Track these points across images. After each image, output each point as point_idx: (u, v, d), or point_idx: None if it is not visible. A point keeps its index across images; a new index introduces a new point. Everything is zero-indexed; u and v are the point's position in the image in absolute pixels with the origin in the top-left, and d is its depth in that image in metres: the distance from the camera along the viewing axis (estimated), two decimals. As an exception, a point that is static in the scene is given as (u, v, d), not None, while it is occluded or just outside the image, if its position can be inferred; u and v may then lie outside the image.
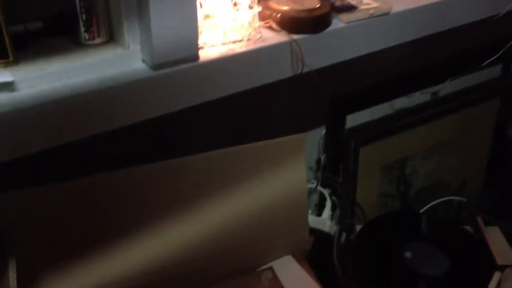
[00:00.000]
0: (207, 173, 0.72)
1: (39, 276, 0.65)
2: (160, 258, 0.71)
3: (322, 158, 0.98)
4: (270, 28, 0.73)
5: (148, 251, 0.70)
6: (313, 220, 0.95)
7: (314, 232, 0.94)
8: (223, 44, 0.69)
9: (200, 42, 0.66)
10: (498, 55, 1.01)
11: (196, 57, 0.65)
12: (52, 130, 0.58)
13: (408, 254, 0.85)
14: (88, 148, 0.66)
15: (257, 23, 0.71)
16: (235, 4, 0.69)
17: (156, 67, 0.63)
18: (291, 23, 0.72)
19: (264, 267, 0.79)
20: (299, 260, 0.81)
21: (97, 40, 0.66)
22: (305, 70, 0.73)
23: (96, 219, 0.67)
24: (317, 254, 0.95)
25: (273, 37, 0.72)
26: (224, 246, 0.75)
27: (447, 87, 1.09)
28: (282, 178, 0.76)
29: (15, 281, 0.59)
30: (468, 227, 0.98)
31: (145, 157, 0.67)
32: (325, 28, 0.75)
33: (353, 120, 0.98)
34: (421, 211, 1.10)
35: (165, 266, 0.71)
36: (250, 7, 0.70)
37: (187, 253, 0.72)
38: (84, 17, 0.64)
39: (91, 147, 0.66)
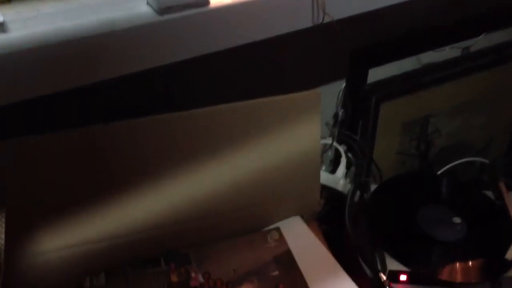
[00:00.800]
0: (215, 128, 0.67)
1: (30, 229, 0.63)
2: (161, 214, 0.68)
3: (340, 113, 0.93)
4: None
5: (149, 206, 0.67)
6: (326, 178, 0.91)
7: (326, 190, 0.90)
8: (237, -12, 0.63)
9: (211, -15, 0.60)
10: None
11: (206, 1, 0.60)
12: (46, 76, 0.54)
13: (424, 218, 0.81)
14: (85, 97, 0.62)
15: (276, -35, 0.64)
16: None
17: (162, 11, 0.57)
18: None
19: (271, 227, 0.76)
20: (307, 222, 0.78)
21: (97, -22, 0.60)
22: (326, 20, 0.67)
23: (94, 171, 0.63)
24: (328, 213, 0.92)
25: (293, -18, 0.65)
26: (231, 204, 0.71)
27: (479, 43, 1.01)
28: (295, 136, 0.72)
29: (3, 235, 0.56)
30: (489, 192, 0.93)
31: (148, 110, 0.63)
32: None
33: (376, 74, 0.92)
34: (440, 171, 1.05)
35: (166, 223, 0.68)
36: None
37: (191, 210, 0.69)
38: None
39: (88, 97, 0.62)
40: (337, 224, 0.87)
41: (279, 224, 0.76)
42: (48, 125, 0.60)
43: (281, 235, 0.75)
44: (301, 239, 0.74)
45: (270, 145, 0.71)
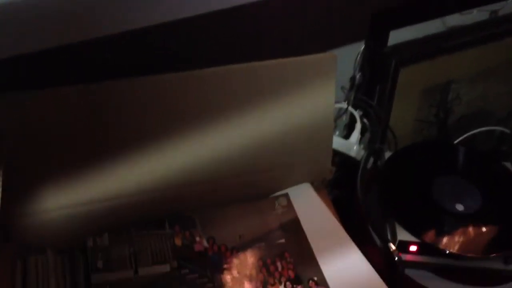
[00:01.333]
0: (223, 89, 0.64)
1: (32, 187, 0.61)
2: (165, 176, 0.66)
3: (357, 76, 0.89)
4: None
5: (153, 167, 0.65)
6: (339, 143, 0.88)
7: (339, 155, 0.88)
8: None
9: None
10: None
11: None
12: (39, 31, 0.50)
13: (438, 188, 0.78)
14: (85, 53, 0.59)
15: None
16: None
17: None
18: None
19: (279, 193, 0.74)
20: (317, 189, 0.75)
21: None
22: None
23: (96, 130, 0.61)
24: (340, 179, 0.89)
25: None
26: (238, 169, 0.69)
27: (508, 6, 0.96)
28: (308, 100, 0.68)
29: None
30: (507, 163, 0.90)
31: (149, 69, 0.60)
32: None
33: (397, 36, 0.87)
34: (458, 140, 1.01)
35: (170, 185, 0.66)
36: None
37: (197, 173, 0.67)
38: None
39: (88, 53, 0.59)
40: (348, 191, 0.85)
41: (288, 190, 0.74)
42: (46, 82, 0.57)
43: (289, 202, 0.73)
44: (310, 207, 0.72)
45: (282, 108, 0.68)
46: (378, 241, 0.74)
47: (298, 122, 0.70)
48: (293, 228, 0.70)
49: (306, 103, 0.69)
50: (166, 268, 0.64)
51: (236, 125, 0.67)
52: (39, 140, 0.60)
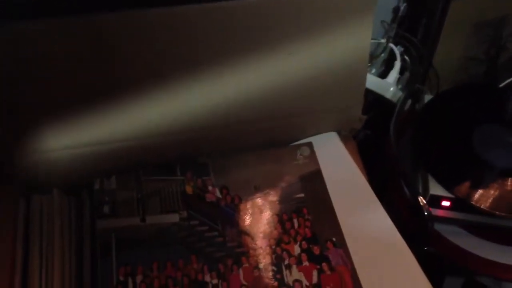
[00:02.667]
0: (245, 24, 0.56)
1: (37, 125, 0.57)
2: (179, 119, 0.60)
3: (401, 8, 0.79)
4: None
5: (166, 109, 0.59)
6: (375, 82, 0.80)
7: (373, 96, 0.80)
8: None
9: None
10: None
11: None
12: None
13: (480, 138, 0.70)
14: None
15: None
16: None
17: None
18: None
19: (302, 142, 0.68)
20: (345, 140, 0.69)
21: None
22: None
23: (103, 66, 0.55)
24: (372, 121, 0.82)
25: None
26: (258, 113, 0.63)
27: None
28: (340, 37, 0.59)
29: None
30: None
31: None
32: None
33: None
34: (505, 83, 0.91)
35: (184, 128, 0.61)
36: None
37: (212, 116, 0.61)
38: None
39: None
40: (379, 135, 0.78)
41: (311, 139, 0.68)
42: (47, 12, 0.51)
43: (312, 152, 0.66)
44: (335, 159, 0.66)
45: (308, 46, 0.59)
46: (407, 193, 0.68)
47: (326, 63, 0.61)
48: (314, 182, 0.64)
49: (337, 41, 0.59)
50: (175, 217, 0.61)
51: (255, 66, 0.59)
52: (41, 76, 0.54)
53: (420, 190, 0.68)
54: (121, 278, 0.56)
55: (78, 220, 0.61)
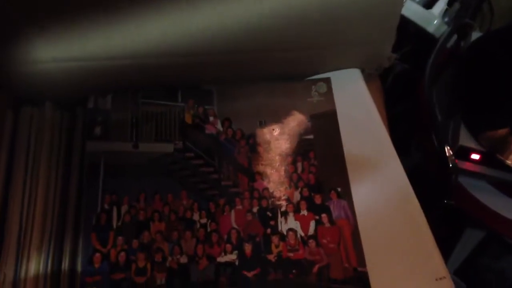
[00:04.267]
0: None
1: (20, 34, 0.52)
2: (184, 40, 0.53)
3: None
4: None
5: (169, 27, 0.52)
6: (417, 12, 0.72)
7: (414, 27, 0.71)
8: None
9: None
10: None
11: None
12: None
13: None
14: None
15: None
16: None
17: None
18: None
19: (320, 76, 0.60)
20: (368, 79, 0.61)
21: None
22: None
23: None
24: (408, 55, 0.73)
25: None
26: (270, 40, 0.55)
27: None
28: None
29: None
30: None
31: None
32: None
33: None
34: None
35: (189, 51, 0.54)
36: None
37: (220, 39, 0.53)
38: None
39: None
40: (415, 71, 0.70)
41: (330, 74, 0.60)
42: None
43: (329, 89, 0.59)
44: (354, 100, 0.58)
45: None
46: (435, 142, 0.62)
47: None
48: (327, 123, 0.57)
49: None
50: (169, 147, 0.56)
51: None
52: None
53: (449, 140, 0.63)
54: (106, 206, 0.53)
55: (69, 139, 0.58)
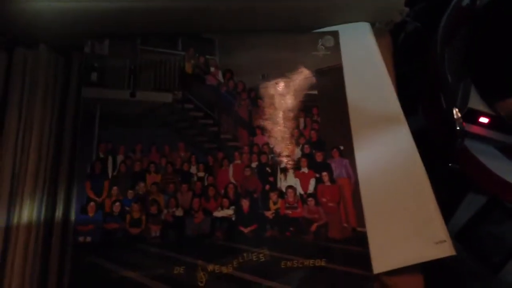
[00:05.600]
0: None
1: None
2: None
3: None
4: None
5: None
6: (431, -33, 0.68)
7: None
8: None
9: None
10: None
11: None
12: None
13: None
14: None
15: None
16: None
17: None
18: None
19: (328, 29, 0.57)
20: (378, 33, 0.58)
21: None
22: None
23: None
24: (423, 11, 0.70)
25: None
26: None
27: None
28: None
29: None
30: None
31: None
32: None
33: None
34: None
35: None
36: None
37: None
38: None
39: None
40: (428, 29, 0.67)
41: (338, 28, 0.57)
42: None
43: (336, 43, 0.56)
44: (362, 55, 0.56)
45: None
46: (443, 103, 0.61)
47: None
48: (332, 79, 0.55)
49: None
50: (168, 97, 0.54)
51: None
52: None
53: (458, 102, 0.61)
54: (101, 155, 0.51)
55: (64, 84, 0.55)
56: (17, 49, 0.54)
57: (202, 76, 0.55)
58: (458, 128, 0.59)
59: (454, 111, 0.60)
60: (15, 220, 0.49)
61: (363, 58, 0.56)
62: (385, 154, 0.52)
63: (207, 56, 0.56)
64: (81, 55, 0.55)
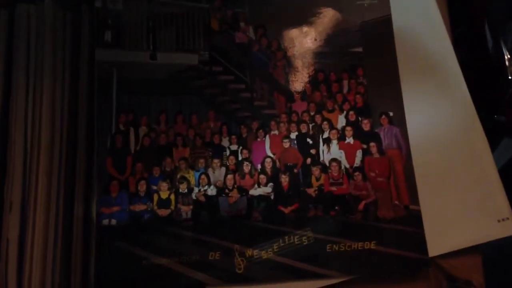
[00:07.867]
0: None
1: None
2: None
3: None
4: None
5: None
6: None
7: None
8: None
9: None
10: None
11: None
12: None
13: None
14: None
15: None
16: None
17: None
18: None
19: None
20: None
21: None
22: None
23: None
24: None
25: None
26: None
27: None
28: None
29: None
30: None
31: None
32: None
33: None
34: None
35: None
36: None
37: None
38: None
39: None
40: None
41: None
42: None
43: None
44: (414, 3, 0.49)
45: None
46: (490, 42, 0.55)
47: None
48: (380, 33, 0.48)
49: None
50: (193, 59, 0.47)
51: None
52: None
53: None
54: (121, 127, 0.46)
55: (75, 45, 0.49)
56: (19, 4, 0.48)
57: (231, 33, 0.48)
58: (510, 77, 0.53)
59: (506, 57, 0.54)
60: (32, 200, 0.45)
61: (415, 6, 0.49)
62: (441, 120, 0.46)
63: (236, 9, 0.48)
64: (91, 9, 0.48)
